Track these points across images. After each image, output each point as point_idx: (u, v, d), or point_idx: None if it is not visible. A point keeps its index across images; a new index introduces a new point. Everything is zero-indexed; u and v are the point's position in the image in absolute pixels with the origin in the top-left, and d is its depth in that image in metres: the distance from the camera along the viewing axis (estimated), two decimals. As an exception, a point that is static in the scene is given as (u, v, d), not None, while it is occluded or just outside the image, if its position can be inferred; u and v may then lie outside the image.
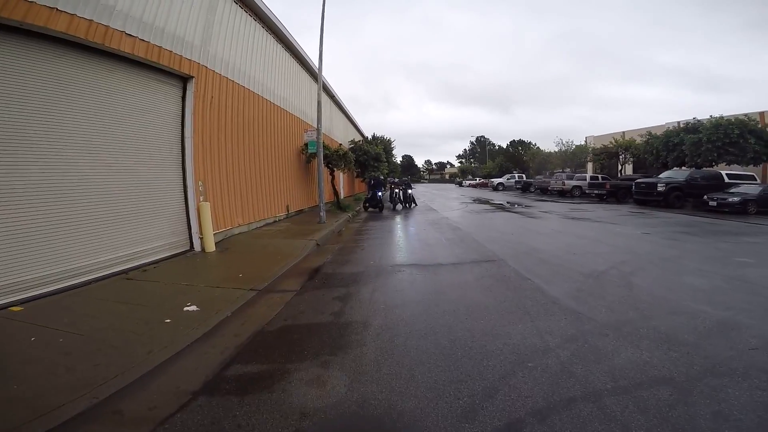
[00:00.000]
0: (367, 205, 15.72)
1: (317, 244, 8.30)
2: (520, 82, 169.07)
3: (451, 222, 11.88)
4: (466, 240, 8.52)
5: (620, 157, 29.13)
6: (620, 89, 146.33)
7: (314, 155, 12.27)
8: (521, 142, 60.82)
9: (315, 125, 11.61)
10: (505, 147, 66.03)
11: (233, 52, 9.14)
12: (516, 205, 18.36)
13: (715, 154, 19.75)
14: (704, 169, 19.40)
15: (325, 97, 19.18)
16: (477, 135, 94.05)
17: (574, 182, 24.96)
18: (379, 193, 15.86)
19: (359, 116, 32.56)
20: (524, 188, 33.40)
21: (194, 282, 5.32)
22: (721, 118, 20.50)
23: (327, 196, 16.10)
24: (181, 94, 7.40)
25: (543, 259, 6.46)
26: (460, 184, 56.44)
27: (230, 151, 9.03)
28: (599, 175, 25.89)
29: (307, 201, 14.81)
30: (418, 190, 28.84)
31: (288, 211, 12.55)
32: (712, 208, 15.28)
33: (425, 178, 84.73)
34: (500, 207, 17.82)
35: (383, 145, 28.93)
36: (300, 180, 14.17)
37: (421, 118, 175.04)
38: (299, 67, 14.62)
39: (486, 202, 21.24)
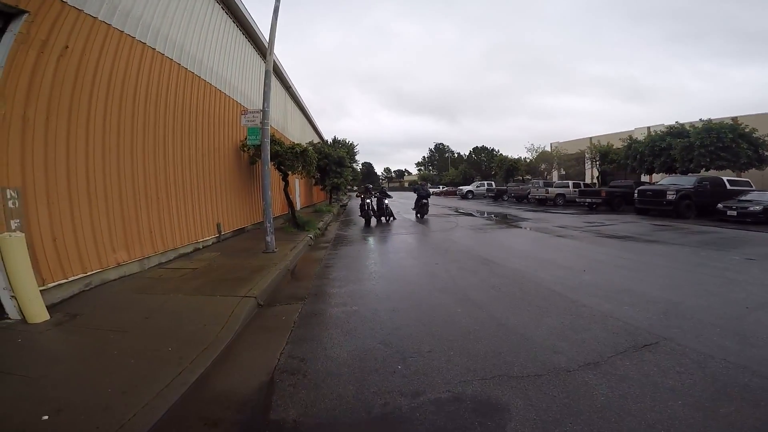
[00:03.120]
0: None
1: (258, 304, 4.42)
2: (466, 91, 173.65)
3: (464, 247, 8.34)
4: (528, 287, 4.92)
5: (596, 163, 27.74)
6: (555, 99, 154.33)
7: (258, 150, 8.32)
8: (484, 149, 59.54)
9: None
10: (466, 154, 64.80)
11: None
12: (515, 218, 15.38)
13: (708, 159, 18.40)
14: (706, 174, 17.87)
15: (279, 86, 15.20)
16: (429, 143, 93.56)
17: (558, 190, 22.94)
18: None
19: (312, 121, 28.59)
20: (496, 196, 31.17)
21: None
22: (710, 121, 19.37)
23: (278, 208, 12.07)
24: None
25: (738, 333, 3.13)
26: (423, 193, 53.59)
27: (106, 137, 5.04)
28: (581, 182, 24.22)
29: (249, 216, 10.65)
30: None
31: (219, 232, 8.40)
32: (731, 218, 13.29)
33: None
34: (499, 220, 14.73)
35: (346, 149, 25.24)
36: (240, 187, 10.04)
37: (374, 126, 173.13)
38: (246, 40, 10.68)
39: (472, 214, 18.15)
